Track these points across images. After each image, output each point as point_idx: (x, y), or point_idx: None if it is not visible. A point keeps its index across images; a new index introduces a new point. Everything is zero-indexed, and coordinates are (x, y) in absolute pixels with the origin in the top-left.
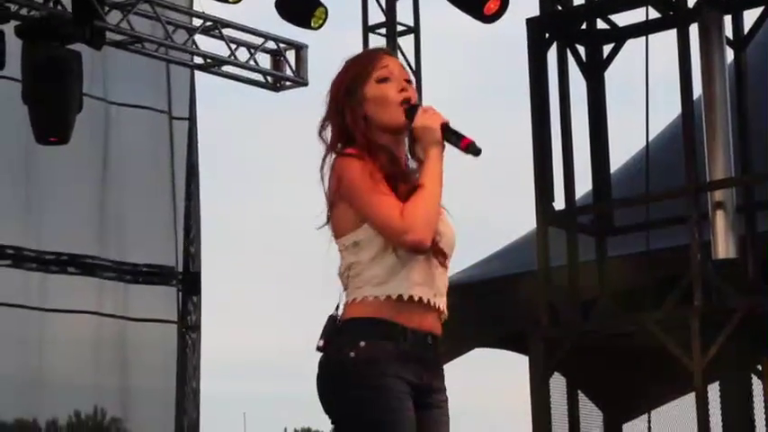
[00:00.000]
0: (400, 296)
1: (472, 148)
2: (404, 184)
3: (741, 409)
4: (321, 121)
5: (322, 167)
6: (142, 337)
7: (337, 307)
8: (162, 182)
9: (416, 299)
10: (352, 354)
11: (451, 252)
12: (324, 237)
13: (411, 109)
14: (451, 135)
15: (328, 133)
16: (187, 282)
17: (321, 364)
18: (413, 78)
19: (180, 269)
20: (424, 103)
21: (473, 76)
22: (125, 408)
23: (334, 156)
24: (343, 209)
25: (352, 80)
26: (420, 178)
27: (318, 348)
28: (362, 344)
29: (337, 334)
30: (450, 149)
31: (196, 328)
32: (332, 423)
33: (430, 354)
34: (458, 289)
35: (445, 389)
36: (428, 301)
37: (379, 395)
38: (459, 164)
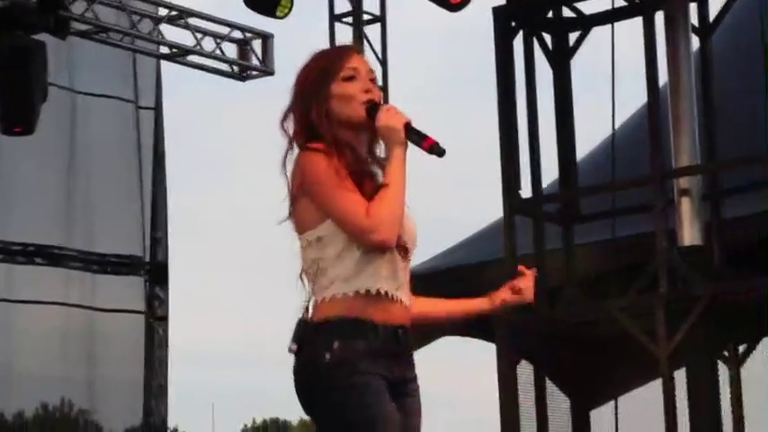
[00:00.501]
0: (368, 291)
1: (436, 149)
2: (369, 181)
3: (708, 395)
4: (284, 111)
5: (284, 160)
6: (110, 327)
7: (306, 308)
8: (129, 172)
9: (383, 293)
10: (327, 356)
11: (414, 246)
12: (289, 227)
13: (373, 107)
14: (414, 135)
15: (290, 124)
16: (154, 272)
17: (296, 371)
18: (378, 78)
19: (147, 259)
20: (391, 93)
21: (440, 65)
22: (93, 399)
23: (297, 150)
24: (306, 203)
25: (320, 76)
26: (385, 178)
27: (291, 351)
28: (336, 345)
29: (311, 336)
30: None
31: (164, 318)
32: (317, 425)
33: (400, 347)
34: (422, 278)
35: (416, 377)
36: (391, 294)
37: (355, 394)
38: (423, 156)
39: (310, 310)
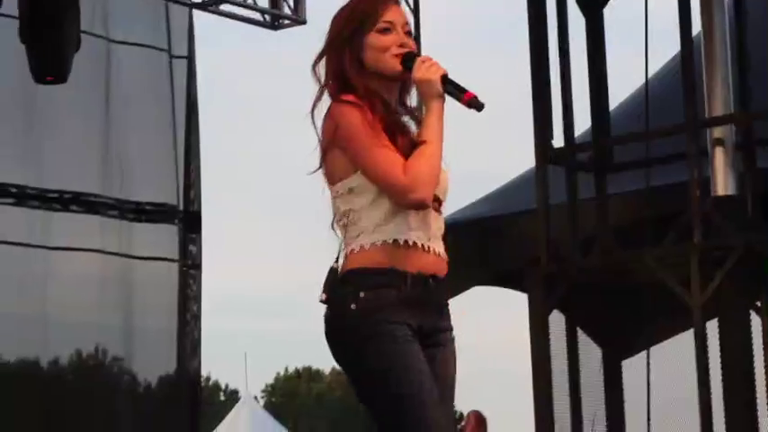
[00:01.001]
0: (396, 241)
1: (475, 103)
2: (401, 134)
3: (740, 346)
4: (317, 56)
5: (314, 108)
6: (144, 275)
7: (337, 258)
8: (163, 120)
9: (411, 243)
10: (353, 305)
11: (445, 197)
12: (320, 177)
13: (409, 58)
14: (452, 88)
15: (322, 69)
16: (188, 220)
17: (326, 319)
18: (413, 29)
19: (181, 207)
20: (424, 45)
21: (469, 18)
22: (127, 347)
23: (331, 101)
24: (338, 155)
25: (356, 26)
26: (423, 134)
27: (321, 301)
28: (362, 294)
29: (339, 286)
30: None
31: (197, 266)
32: (347, 375)
33: (432, 296)
34: (455, 228)
35: (451, 327)
36: (423, 245)
37: (384, 343)
38: (454, 108)
39: (341, 260)
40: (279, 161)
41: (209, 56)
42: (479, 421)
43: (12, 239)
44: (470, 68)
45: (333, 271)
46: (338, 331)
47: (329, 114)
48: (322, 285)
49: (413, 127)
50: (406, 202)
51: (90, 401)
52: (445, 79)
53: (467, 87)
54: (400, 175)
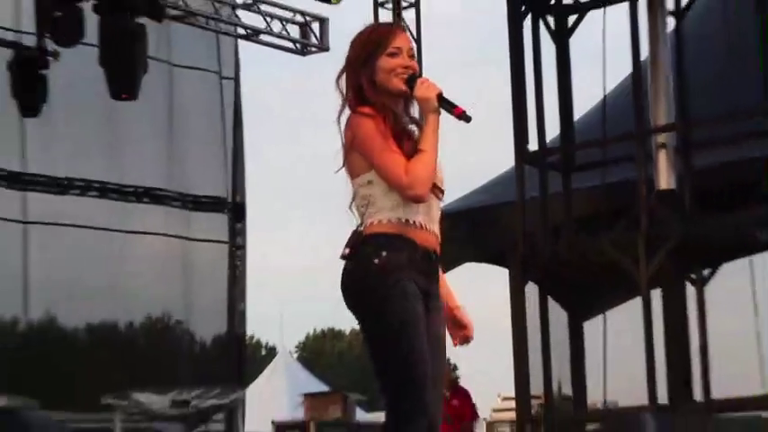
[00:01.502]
0: (407, 220)
1: (464, 116)
2: (407, 139)
3: (678, 309)
4: (338, 73)
5: (339, 116)
6: (201, 254)
7: (359, 226)
8: (214, 129)
9: (418, 224)
10: (376, 261)
11: (443, 188)
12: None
13: (411, 79)
14: (446, 104)
15: (342, 84)
16: (235, 210)
17: (347, 271)
18: (415, 52)
19: (229, 199)
20: (425, 64)
21: (461, 42)
22: (186, 312)
23: (350, 112)
24: (356, 156)
25: (370, 51)
26: (421, 143)
27: (343, 256)
28: (384, 253)
29: (363, 245)
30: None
31: (242, 247)
32: (358, 320)
33: (432, 266)
34: (451, 215)
35: (441, 295)
36: (425, 226)
37: (399, 295)
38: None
39: (365, 226)
40: (308, 162)
41: (251, 77)
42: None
43: (96, 225)
44: (462, 84)
45: (357, 232)
46: (359, 282)
47: (349, 124)
48: (345, 243)
49: (416, 133)
50: (406, 196)
51: (157, 358)
52: (440, 97)
53: (457, 103)
54: (403, 175)
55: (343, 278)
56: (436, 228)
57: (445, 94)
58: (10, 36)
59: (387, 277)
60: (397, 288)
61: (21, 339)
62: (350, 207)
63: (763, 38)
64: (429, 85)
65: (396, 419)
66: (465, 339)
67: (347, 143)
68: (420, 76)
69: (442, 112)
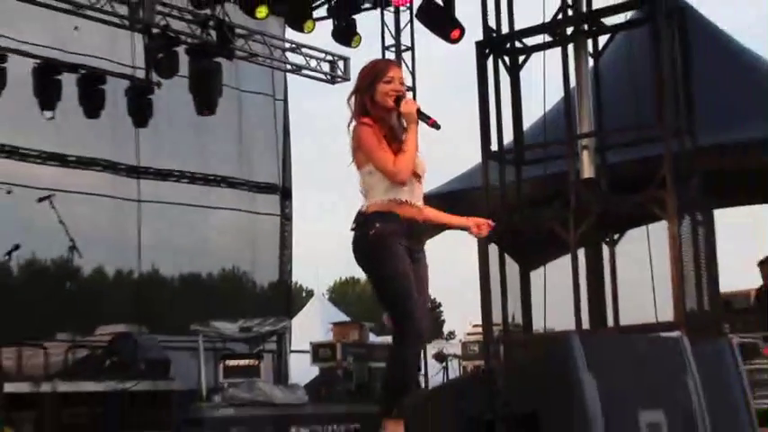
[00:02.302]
0: (397, 199)
1: (435, 125)
2: (395, 142)
3: (597, 264)
4: (350, 94)
5: (349, 125)
6: (261, 224)
7: (362, 206)
8: (270, 136)
9: (404, 201)
10: (372, 231)
11: (424, 175)
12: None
13: (399, 99)
14: (422, 116)
15: (352, 102)
16: (284, 192)
17: (354, 240)
18: (407, 81)
19: (280, 185)
20: (419, 92)
21: (445, 77)
22: (251, 265)
23: (355, 123)
24: (360, 154)
25: (372, 78)
26: (404, 144)
27: (352, 229)
28: (378, 225)
29: (364, 220)
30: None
31: (289, 218)
32: (365, 273)
33: (414, 231)
34: (434, 197)
35: (423, 249)
36: (410, 202)
37: (390, 254)
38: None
39: (365, 206)
40: (334, 158)
41: (296, 98)
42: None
43: (188, 203)
44: (446, 106)
45: (360, 212)
46: (362, 247)
47: (354, 131)
48: (353, 220)
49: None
50: (393, 180)
51: (230, 298)
52: (418, 111)
53: (430, 116)
54: (391, 167)
55: (352, 245)
56: (419, 202)
57: (423, 110)
58: (128, 71)
59: (380, 242)
60: (388, 249)
61: (134, 286)
62: (360, 191)
63: (657, 69)
64: (410, 102)
65: (399, 332)
66: (483, 227)
67: (354, 144)
68: (405, 97)
69: (420, 123)
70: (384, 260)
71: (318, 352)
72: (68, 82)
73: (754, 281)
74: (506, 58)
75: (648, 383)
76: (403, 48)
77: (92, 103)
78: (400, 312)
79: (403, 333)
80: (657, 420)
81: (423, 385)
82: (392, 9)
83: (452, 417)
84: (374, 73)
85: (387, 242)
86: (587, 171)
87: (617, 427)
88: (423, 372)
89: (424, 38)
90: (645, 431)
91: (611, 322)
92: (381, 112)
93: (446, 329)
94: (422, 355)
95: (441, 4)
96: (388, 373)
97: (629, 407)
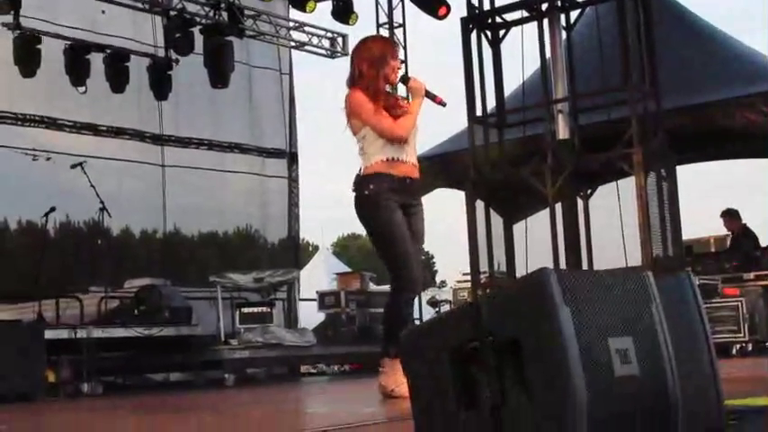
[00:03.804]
0: (391, 158)
1: (442, 103)
2: (394, 111)
3: (572, 216)
4: (358, 65)
5: (346, 97)
6: (271, 185)
7: (360, 168)
8: (278, 106)
9: (397, 158)
10: (367, 192)
11: (416, 134)
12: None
13: (404, 77)
14: (430, 95)
15: (362, 69)
16: (291, 157)
17: (354, 200)
18: (400, 56)
19: (287, 150)
20: (411, 65)
21: (433, 50)
22: (262, 223)
23: (349, 91)
24: (354, 120)
25: (385, 54)
26: (409, 108)
27: (352, 191)
28: (371, 186)
29: (360, 181)
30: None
31: (296, 180)
32: (365, 229)
33: (409, 187)
34: (428, 157)
35: (420, 203)
36: (403, 159)
37: (384, 209)
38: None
39: (361, 169)
40: (333, 124)
41: (300, 71)
42: None
43: (205, 167)
44: (435, 77)
45: (357, 175)
46: (360, 206)
47: (350, 98)
48: (352, 182)
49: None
50: (394, 137)
51: (244, 253)
52: (426, 90)
53: (436, 95)
54: (393, 124)
55: (354, 205)
56: (413, 159)
57: (429, 88)
58: (149, 50)
59: (374, 201)
60: (381, 207)
61: (159, 243)
62: (359, 153)
63: (622, 38)
64: (418, 80)
65: (396, 280)
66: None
67: (348, 111)
68: (407, 74)
69: (426, 100)
70: (379, 217)
71: (324, 299)
72: (96, 60)
73: (713, 230)
74: (488, 33)
75: (617, 313)
76: (395, 24)
77: (118, 79)
78: (395, 261)
79: (398, 280)
80: (626, 347)
81: None
82: None
83: (441, 347)
84: (386, 50)
85: (380, 200)
86: (562, 132)
87: (590, 351)
88: (418, 316)
89: (415, 15)
90: (615, 356)
91: (585, 268)
92: (382, 86)
93: (438, 278)
94: (417, 302)
95: None
96: (384, 318)
97: (600, 334)
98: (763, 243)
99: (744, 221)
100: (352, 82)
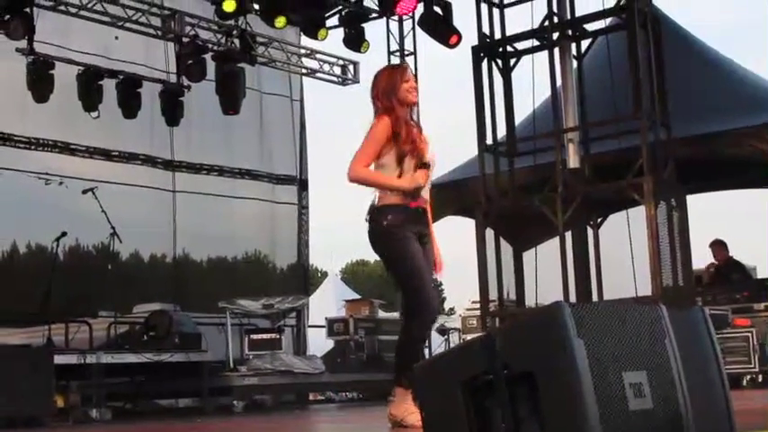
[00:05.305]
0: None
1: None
2: (412, 146)
3: (582, 245)
4: (375, 95)
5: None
6: (281, 212)
7: (374, 199)
8: (288, 133)
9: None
10: (385, 222)
11: (433, 167)
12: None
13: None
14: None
15: (378, 102)
16: (301, 183)
17: (370, 232)
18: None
19: (298, 177)
20: (422, 92)
21: (444, 77)
22: (271, 249)
23: (375, 119)
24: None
25: (396, 80)
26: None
27: (366, 220)
28: (390, 217)
29: (376, 213)
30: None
31: (306, 207)
32: (381, 258)
33: (422, 218)
34: (439, 185)
35: (430, 233)
36: (419, 191)
37: (401, 241)
38: (450, 128)
39: (376, 200)
40: (345, 153)
41: (311, 98)
42: None
43: (216, 193)
44: (445, 105)
45: (372, 205)
46: (377, 237)
47: (373, 126)
48: (366, 212)
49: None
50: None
51: (253, 278)
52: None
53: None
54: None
55: (368, 235)
56: (426, 193)
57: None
58: (162, 75)
59: (393, 233)
60: (399, 238)
61: (169, 267)
62: None
63: (633, 67)
64: (425, 175)
65: (415, 313)
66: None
67: (367, 134)
68: (417, 104)
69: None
70: (398, 248)
71: (333, 326)
72: (108, 86)
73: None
74: (499, 61)
75: (631, 347)
76: (406, 52)
77: (130, 105)
78: (412, 290)
79: (415, 309)
80: (640, 380)
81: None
82: (396, 18)
83: (455, 379)
84: (396, 76)
85: (399, 231)
86: (573, 161)
87: (604, 385)
88: (427, 344)
89: (426, 43)
90: (628, 389)
91: (595, 297)
92: (401, 110)
93: (447, 306)
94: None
95: (440, 13)
96: (398, 347)
97: (614, 367)
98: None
99: (731, 253)
100: (384, 112)
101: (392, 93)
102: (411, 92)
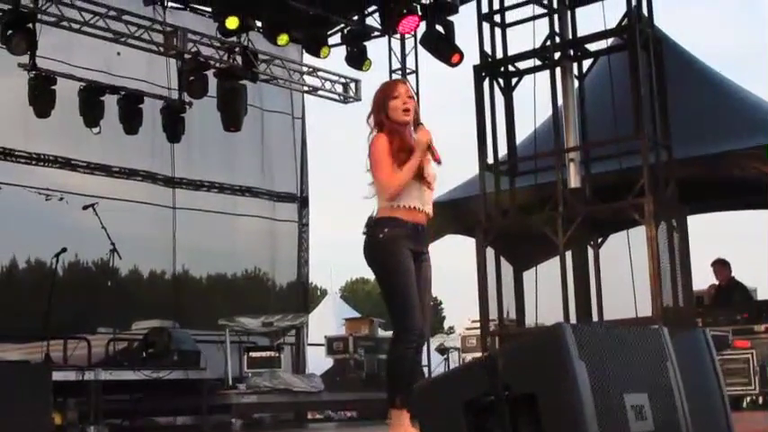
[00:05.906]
0: (405, 205)
1: (438, 161)
2: (407, 153)
3: (583, 264)
4: (369, 114)
5: (369, 138)
6: (281, 229)
7: (372, 212)
8: (289, 150)
9: (412, 207)
10: (381, 236)
11: (434, 183)
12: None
13: (417, 122)
14: (430, 150)
15: (371, 121)
16: (302, 201)
17: (365, 243)
18: (414, 95)
19: (298, 194)
20: (423, 111)
21: (446, 96)
22: (271, 266)
23: (372, 137)
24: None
25: (383, 98)
26: (405, 164)
27: (363, 233)
28: (386, 230)
29: (373, 226)
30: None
31: (306, 225)
32: (374, 274)
33: (420, 235)
34: (440, 203)
35: (428, 252)
36: (419, 208)
37: (394, 255)
38: (453, 141)
39: (374, 213)
40: (344, 168)
41: (312, 116)
42: None
43: (216, 210)
44: (445, 123)
45: (370, 218)
46: (372, 251)
47: (370, 142)
48: (364, 224)
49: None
50: (386, 195)
51: (252, 296)
52: (428, 144)
53: (436, 152)
54: (386, 181)
55: (363, 248)
56: (428, 209)
57: (433, 143)
58: (163, 92)
59: (387, 247)
60: (395, 253)
61: (169, 284)
62: (373, 196)
63: (634, 88)
64: (425, 131)
65: (398, 332)
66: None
67: (369, 156)
68: (418, 115)
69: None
70: (390, 262)
71: (332, 345)
72: (110, 101)
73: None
74: (501, 80)
75: (633, 369)
76: (408, 71)
77: (131, 121)
78: (398, 309)
79: (400, 329)
80: (641, 403)
81: (426, 376)
82: (398, 36)
83: (456, 400)
84: (384, 93)
85: (394, 246)
86: (574, 181)
87: (606, 407)
88: (426, 364)
89: (427, 62)
90: (630, 412)
91: (595, 317)
92: (396, 126)
93: (446, 324)
94: (426, 349)
95: (442, 31)
96: (387, 367)
97: (616, 389)
98: None
99: (733, 273)
100: (376, 126)
101: (381, 109)
102: (399, 109)
